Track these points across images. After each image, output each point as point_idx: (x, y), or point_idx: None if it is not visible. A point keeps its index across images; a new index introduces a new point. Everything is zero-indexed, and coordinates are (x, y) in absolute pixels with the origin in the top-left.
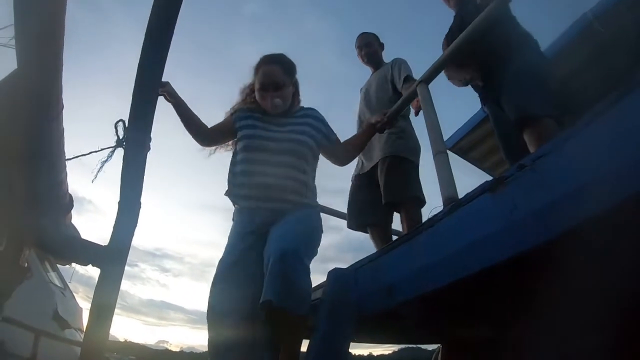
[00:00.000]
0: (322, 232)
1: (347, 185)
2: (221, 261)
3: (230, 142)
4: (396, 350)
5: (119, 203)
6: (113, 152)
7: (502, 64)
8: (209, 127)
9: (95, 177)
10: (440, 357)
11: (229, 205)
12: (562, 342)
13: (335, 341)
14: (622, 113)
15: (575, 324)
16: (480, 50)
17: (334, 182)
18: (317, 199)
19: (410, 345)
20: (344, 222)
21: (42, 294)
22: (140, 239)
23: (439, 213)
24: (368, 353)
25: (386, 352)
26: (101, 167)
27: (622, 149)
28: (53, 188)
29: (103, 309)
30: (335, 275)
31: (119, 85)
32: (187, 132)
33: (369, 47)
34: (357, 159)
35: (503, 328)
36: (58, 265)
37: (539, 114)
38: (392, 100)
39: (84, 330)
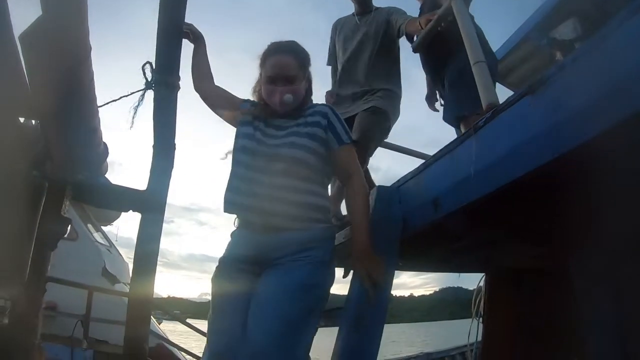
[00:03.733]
0: (330, 278)
1: None
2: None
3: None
4: (437, 290)
5: (154, 146)
6: (144, 94)
7: (449, 58)
8: (218, 86)
9: (132, 124)
10: (484, 286)
11: None
12: (613, 269)
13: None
14: None
15: (628, 245)
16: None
17: None
18: None
19: (451, 286)
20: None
21: (90, 253)
22: (174, 195)
23: (480, 120)
24: (409, 294)
25: (427, 293)
26: (135, 112)
27: None
28: (88, 135)
29: (147, 256)
30: (378, 193)
31: (144, 34)
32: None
33: None
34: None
35: (548, 257)
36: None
37: (467, 114)
38: (379, 54)
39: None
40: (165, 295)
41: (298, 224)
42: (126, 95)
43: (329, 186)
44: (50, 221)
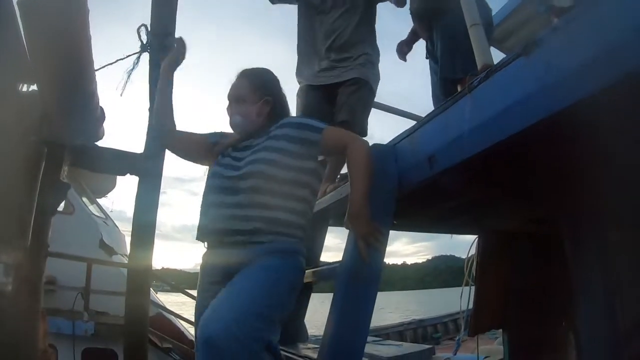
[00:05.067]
0: (297, 278)
1: None
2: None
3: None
4: (430, 258)
5: (149, 109)
6: (139, 57)
7: (442, 18)
8: (180, 132)
9: (124, 89)
10: (476, 250)
11: None
12: (603, 235)
13: (375, 220)
14: None
15: (618, 211)
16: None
17: None
18: None
19: (444, 254)
20: None
21: (86, 226)
22: (166, 165)
23: (474, 79)
24: (402, 262)
25: (420, 261)
26: (128, 76)
27: None
28: (85, 99)
29: (145, 225)
30: (374, 151)
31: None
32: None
33: None
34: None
35: (541, 221)
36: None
37: (461, 76)
38: (362, 17)
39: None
40: (159, 267)
41: (264, 237)
42: (122, 59)
43: (310, 197)
44: (50, 186)
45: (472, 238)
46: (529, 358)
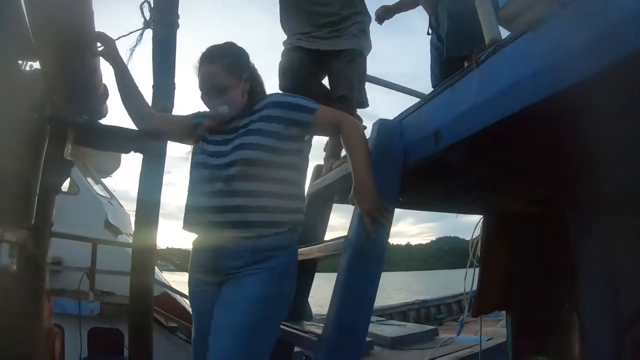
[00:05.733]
0: (288, 288)
1: None
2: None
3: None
4: (434, 240)
5: (153, 86)
6: (142, 34)
7: None
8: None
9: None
10: (481, 230)
11: None
12: (606, 218)
13: (381, 196)
14: None
15: (622, 195)
16: None
17: None
18: None
19: (448, 235)
20: None
21: (91, 206)
22: (170, 145)
23: (482, 54)
24: (406, 242)
25: (424, 242)
26: (131, 53)
27: None
28: (88, 76)
29: (149, 203)
30: (380, 126)
31: None
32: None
33: None
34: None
35: (546, 202)
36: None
37: (467, 54)
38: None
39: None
40: (164, 247)
41: (251, 231)
42: (124, 35)
43: (300, 180)
44: (54, 164)
45: (476, 219)
46: (532, 340)
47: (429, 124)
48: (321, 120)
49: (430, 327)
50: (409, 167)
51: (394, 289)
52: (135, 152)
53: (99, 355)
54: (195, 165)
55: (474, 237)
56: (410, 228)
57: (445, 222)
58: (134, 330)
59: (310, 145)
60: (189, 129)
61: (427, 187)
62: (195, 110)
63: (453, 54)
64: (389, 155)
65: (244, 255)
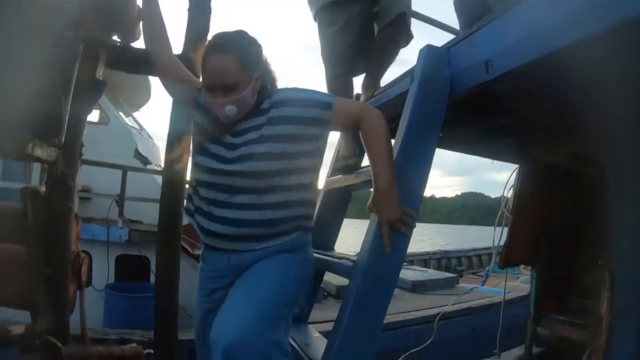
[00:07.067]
0: (306, 271)
1: None
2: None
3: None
4: (459, 194)
5: (188, 9)
6: None
7: None
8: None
9: None
10: (515, 180)
11: None
12: None
13: (424, 131)
14: None
15: None
16: None
17: None
18: None
19: (474, 191)
20: None
21: (121, 136)
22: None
23: None
24: (431, 194)
25: (449, 195)
26: None
27: None
28: None
29: (180, 134)
30: (428, 51)
31: None
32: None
33: None
34: None
35: (584, 156)
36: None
37: None
38: None
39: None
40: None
41: (264, 243)
42: None
43: (314, 184)
44: (86, 84)
45: (505, 178)
46: (555, 299)
47: (480, 52)
48: (340, 114)
49: (452, 275)
50: (455, 96)
51: (414, 240)
52: None
53: (126, 281)
54: (199, 170)
55: (507, 190)
56: (437, 180)
57: (472, 178)
58: (161, 257)
59: (326, 142)
60: (192, 96)
61: (469, 124)
62: None
63: None
64: (437, 82)
65: (257, 260)
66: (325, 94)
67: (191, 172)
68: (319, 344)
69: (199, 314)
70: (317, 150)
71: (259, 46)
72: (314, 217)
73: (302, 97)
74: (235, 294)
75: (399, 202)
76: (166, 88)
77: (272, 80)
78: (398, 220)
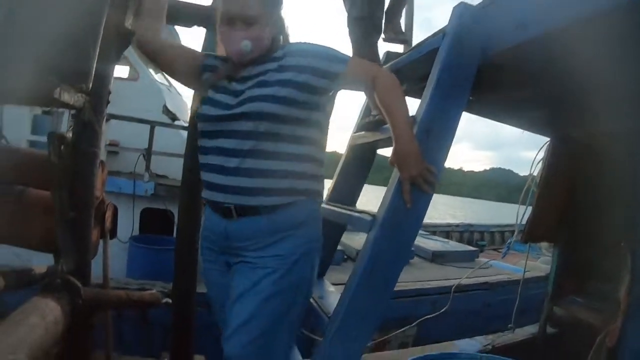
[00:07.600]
0: (310, 269)
1: None
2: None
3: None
4: (487, 169)
5: None
6: None
7: None
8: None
9: None
10: (545, 154)
11: None
12: None
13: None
14: None
15: None
16: None
17: None
18: None
19: (502, 167)
20: None
21: (150, 92)
22: None
23: None
24: (459, 167)
25: (477, 170)
26: None
27: None
28: None
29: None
30: (461, 10)
31: None
32: None
33: None
34: None
35: (617, 133)
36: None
37: None
38: None
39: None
40: None
41: (266, 200)
42: None
43: (322, 141)
44: (114, 32)
45: (533, 156)
46: (575, 280)
47: (515, 12)
48: (353, 72)
49: (473, 248)
50: (487, 58)
51: (438, 211)
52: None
53: (150, 234)
54: (203, 119)
55: (535, 166)
56: (466, 153)
57: (502, 153)
58: (184, 211)
59: (334, 103)
60: (195, 70)
61: (500, 90)
62: None
63: None
64: (468, 41)
65: (256, 236)
66: (341, 52)
67: (201, 126)
68: (333, 298)
69: (207, 283)
70: (325, 106)
71: None
72: (324, 180)
73: (317, 50)
74: (243, 299)
75: (420, 158)
76: (170, 75)
77: (286, 35)
78: (419, 176)
